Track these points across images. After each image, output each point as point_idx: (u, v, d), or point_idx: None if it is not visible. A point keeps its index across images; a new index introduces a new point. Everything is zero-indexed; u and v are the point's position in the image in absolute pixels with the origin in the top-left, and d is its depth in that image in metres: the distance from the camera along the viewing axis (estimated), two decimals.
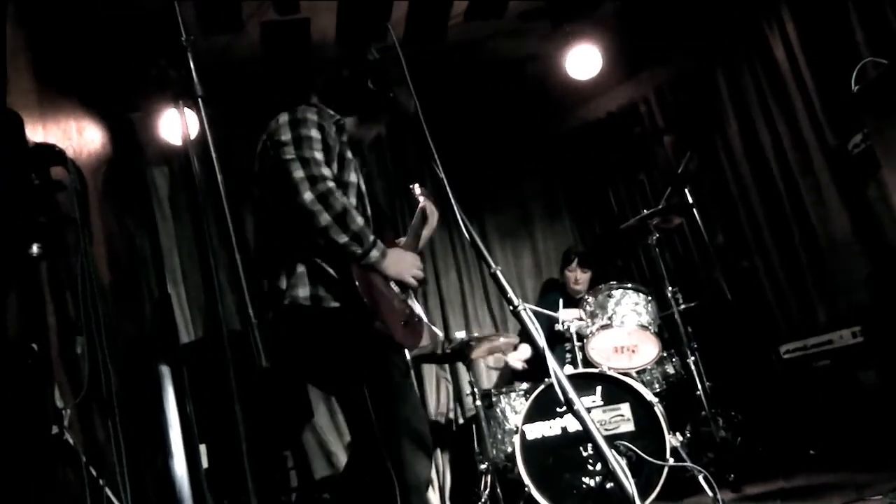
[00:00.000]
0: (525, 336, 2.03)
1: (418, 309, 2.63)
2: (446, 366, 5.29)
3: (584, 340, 4.04)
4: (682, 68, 5.36)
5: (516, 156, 5.84)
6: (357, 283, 2.30)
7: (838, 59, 3.96)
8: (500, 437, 4.17)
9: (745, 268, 5.01)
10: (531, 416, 3.75)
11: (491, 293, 5.55)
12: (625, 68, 5.50)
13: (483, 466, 4.11)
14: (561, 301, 4.53)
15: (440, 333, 4.22)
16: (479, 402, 4.16)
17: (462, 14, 4.70)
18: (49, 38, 3.41)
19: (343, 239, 2.29)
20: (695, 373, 3.97)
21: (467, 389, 4.43)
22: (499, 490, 3.93)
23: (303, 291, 2.35)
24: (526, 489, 3.60)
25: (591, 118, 5.89)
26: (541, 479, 3.62)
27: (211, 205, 1.79)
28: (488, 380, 5.31)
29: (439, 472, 5.00)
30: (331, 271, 2.35)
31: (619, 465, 1.88)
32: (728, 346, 4.75)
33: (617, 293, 4.09)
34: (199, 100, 1.88)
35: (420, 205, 2.80)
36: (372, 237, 2.36)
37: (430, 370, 5.26)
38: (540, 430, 3.74)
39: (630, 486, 1.85)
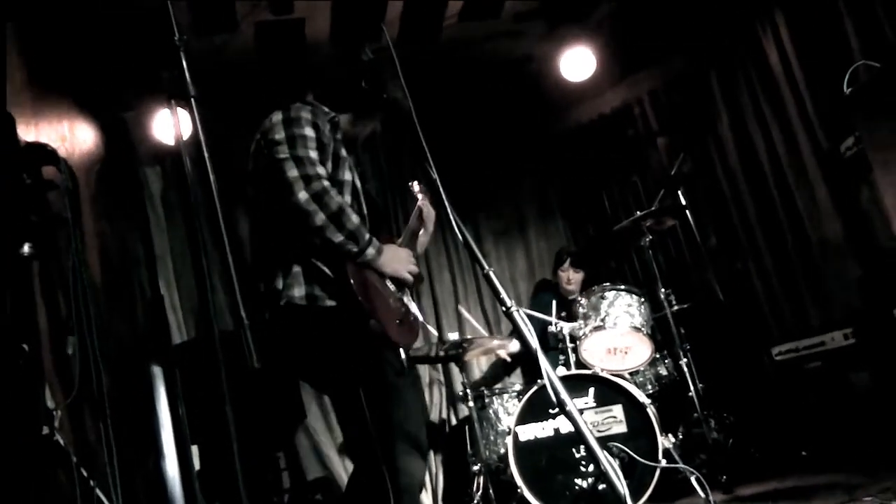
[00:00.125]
0: (518, 337, 2.03)
1: (414, 307, 2.63)
2: (439, 367, 5.29)
3: (577, 342, 4.04)
4: (675, 70, 5.37)
5: (510, 157, 5.84)
6: (352, 282, 2.29)
7: (831, 63, 3.97)
8: (492, 438, 4.17)
9: (737, 270, 5.02)
10: (524, 418, 3.75)
11: (484, 294, 5.55)
12: (619, 70, 5.51)
13: (476, 468, 4.11)
14: (554, 302, 4.53)
15: (435, 333, 4.23)
16: (471, 404, 4.16)
17: (457, 14, 4.70)
18: (42, 37, 3.39)
19: (338, 238, 2.29)
20: (687, 374, 3.98)
21: (460, 391, 4.43)
22: (491, 491, 3.93)
23: (298, 291, 2.34)
24: (518, 490, 3.60)
25: (584, 120, 5.91)
26: (533, 480, 3.62)
27: (204, 205, 1.79)
28: (479, 370, 5.29)
29: (432, 473, 5.00)
30: (326, 271, 2.35)
31: (611, 466, 1.88)
32: (720, 348, 4.77)
33: (610, 294, 4.10)
34: (193, 100, 1.87)
35: (418, 203, 2.79)
36: (367, 235, 2.36)
37: (423, 371, 5.26)
38: (533, 431, 3.74)
39: (622, 487, 1.85)
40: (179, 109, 1.92)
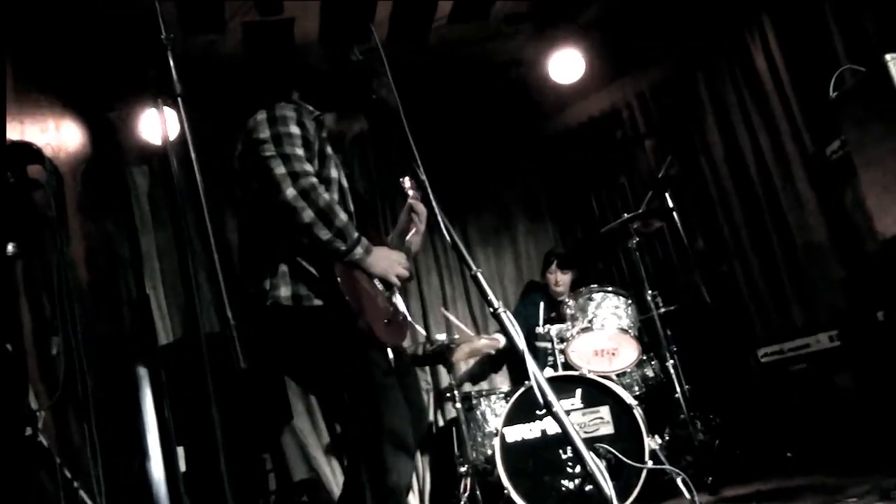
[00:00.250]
0: (505, 337, 2.03)
1: (402, 307, 2.62)
2: (427, 368, 5.28)
3: (565, 343, 4.05)
4: (663, 74, 5.40)
5: (499, 158, 5.85)
6: (339, 281, 2.28)
7: (817, 66, 4.00)
8: (480, 439, 4.17)
9: (724, 272, 5.05)
10: (511, 419, 3.75)
11: (472, 295, 5.56)
12: (607, 73, 5.53)
13: (463, 469, 4.10)
14: (542, 303, 4.54)
15: (423, 332, 4.22)
16: (459, 405, 4.16)
17: (446, 16, 4.70)
18: (28, 35, 3.37)
19: (326, 235, 2.28)
20: (674, 376, 3.99)
21: (448, 392, 4.43)
22: (478, 492, 3.94)
23: (285, 291, 2.34)
24: (505, 491, 3.61)
25: (573, 122, 5.92)
26: (520, 481, 3.62)
27: (190, 205, 1.78)
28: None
29: (419, 474, 5.00)
30: (312, 270, 2.34)
31: (597, 467, 1.88)
32: (707, 350, 4.79)
33: (597, 296, 4.11)
34: (180, 99, 1.86)
35: (409, 200, 2.75)
36: (356, 234, 2.35)
37: (416, 371, 5.24)
38: (520, 432, 3.74)
39: (608, 488, 1.85)
40: (166, 109, 1.91)
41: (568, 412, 3.66)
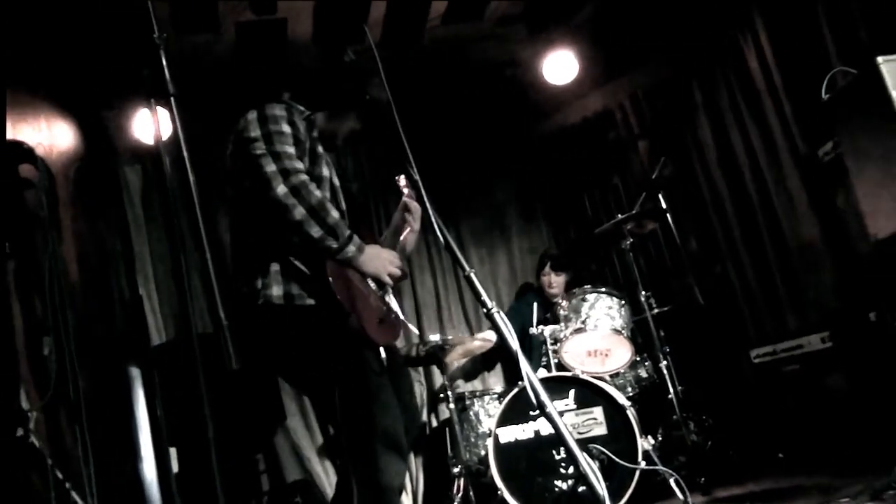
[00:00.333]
0: (499, 338, 2.03)
1: (395, 306, 2.61)
2: (420, 368, 5.28)
3: (558, 344, 4.05)
4: (657, 75, 5.41)
5: (493, 159, 5.85)
6: (331, 280, 2.28)
7: (810, 69, 4.01)
8: (473, 440, 4.17)
9: (717, 273, 5.06)
10: (504, 420, 3.75)
11: (466, 296, 5.56)
12: (601, 74, 5.53)
13: (456, 470, 4.11)
14: (535, 304, 4.55)
15: (416, 332, 4.22)
16: (452, 406, 4.16)
17: (440, 17, 4.70)
18: (20, 34, 3.35)
19: (318, 233, 2.28)
20: (667, 377, 4.00)
21: (441, 392, 4.42)
22: (472, 493, 3.94)
23: (276, 290, 2.33)
24: (499, 492, 3.61)
25: (566, 123, 5.92)
26: (513, 482, 3.62)
27: (183, 205, 1.77)
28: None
29: (412, 475, 4.99)
30: (304, 269, 2.34)
31: (590, 468, 1.88)
32: (700, 351, 4.80)
33: (591, 297, 4.12)
34: (172, 98, 1.86)
35: (403, 198, 2.73)
36: (348, 232, 2.34)
37: (409, 371, 5.24)
38: (513, 433, 3.74)
39: (602, 489, 1.85)
40: (159, 108, 1.90)
41: (561, 413, 3.67)
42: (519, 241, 5.89)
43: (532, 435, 3.73)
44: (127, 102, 4.61)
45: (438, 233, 2.07)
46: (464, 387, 5.27)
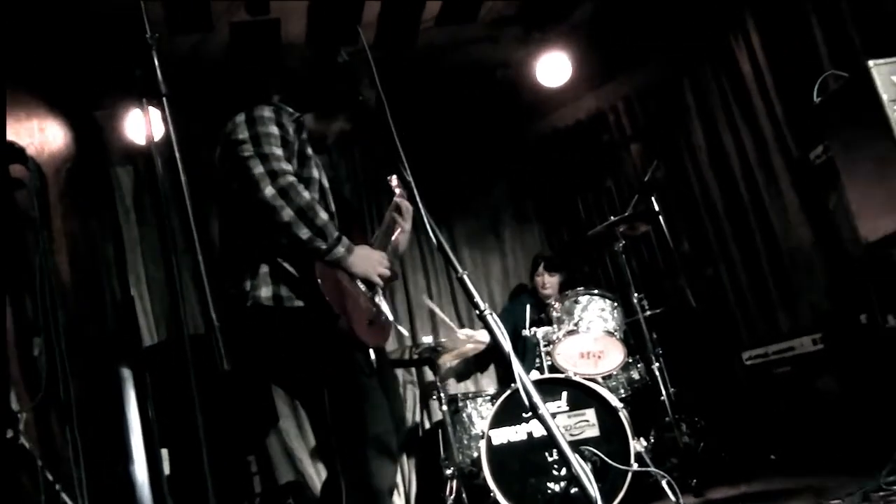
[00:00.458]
0: (492, 339, 2.03)
1: (385, 308, 2.61)
2: (413, 369, 5.27)
3: (551, 346, 4.06)
4: (649, 78, 5.42)
5: (486, 161, 5.85)
6: (320, 281, 2.27)
7: (801, 72, 4.03)
8: (465, 442, 4.17)
9: (709, 275, 5.07)
10: (497, 422, 3.75)
11: (458, 297, 5.55)
12: (594, 77, 5.55)
13: (449, 472, 4.10)
14: (528, 306, 4.55)
15: (406, 333, 4.22)
16: (445, 407, 4.16)
17: (433, 18, 4.70)
18: (10, 34, 3.34)
19: (306, 234, 2.27)
20: (659, 379, 4.01)
21: (433, 394, 4.42)
22: (464, 495, 3.93)
23: (265, 292, 2.32)
24: (491, 494, 3.60)
25: (560, 125, 5.93)
26: (506, 484, 3.62)
27: (175, 206, 1.77)
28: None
29: (405, 477, 4.98)
30: (293, 271, 2.33)
31: (583, 470, 1.89)
32: (692, 353, 4.81)
33: (584, 299, 4.12)
34: (164, 98, 1.85)
35: (395, 198, 2.73)
36: (336, 233, 2.34)
37: (396, 374, 5.24)
38: (506, 435, 3.74)
39: (594, 491, 1.86)
40: (151, 108, 1.89)
41: (554, 415, 3.67)
42: (512, 243, 5.89)
43: (525, 437, 3.73)
44: (119, 102, 4.60)
45: (431, 234, 2.07)
46: (456, 388, 5.26)
